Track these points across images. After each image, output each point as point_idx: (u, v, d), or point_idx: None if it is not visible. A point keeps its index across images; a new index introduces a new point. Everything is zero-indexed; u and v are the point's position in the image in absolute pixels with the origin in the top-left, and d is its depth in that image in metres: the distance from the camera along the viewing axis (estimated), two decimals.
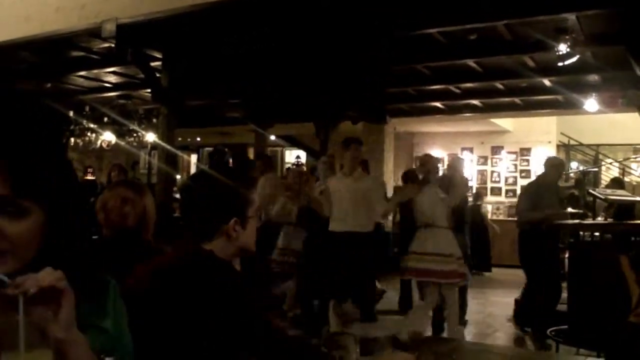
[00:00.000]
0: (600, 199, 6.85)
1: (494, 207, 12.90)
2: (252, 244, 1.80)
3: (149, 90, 8.29)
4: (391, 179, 11.23)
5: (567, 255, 6.63)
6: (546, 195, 5.97)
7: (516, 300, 6.95)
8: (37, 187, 0.92)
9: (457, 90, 9.77)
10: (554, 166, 6.27)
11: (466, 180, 7.30)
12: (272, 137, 11.43)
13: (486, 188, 12.89)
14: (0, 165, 0.89)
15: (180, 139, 7.29)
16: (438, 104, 10.71)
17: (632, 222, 5.48)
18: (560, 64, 6.73)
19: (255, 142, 10.92)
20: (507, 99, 10.14)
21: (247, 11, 5.85)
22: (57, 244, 0.97)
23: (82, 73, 9.22)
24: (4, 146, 0.92)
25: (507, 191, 13.04)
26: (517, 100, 10.22)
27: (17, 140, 0.94)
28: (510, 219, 12.69)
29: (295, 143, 13.84)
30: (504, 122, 12.48)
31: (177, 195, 9.70)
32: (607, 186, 8.80)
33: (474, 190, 11.89)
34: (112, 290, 1.12)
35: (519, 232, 6.17)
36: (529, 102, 10.34)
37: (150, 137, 11.09)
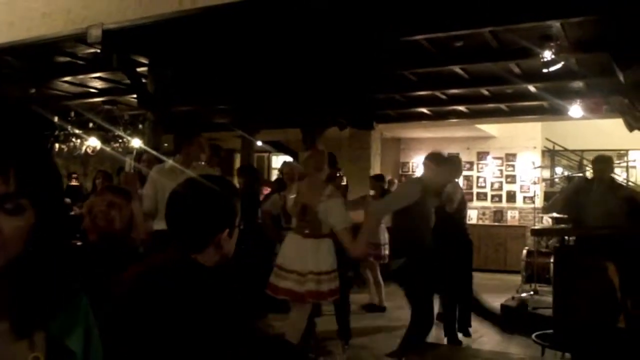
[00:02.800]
0: None
1: (479, 212, 12.98)
2: (232, 252, 1.79)
3: (134, 96, 8.26)
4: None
5: (551, 260, 6.68)
6: (580, 197, 5.46)
7: (502, 305, 6.99)
8: (35, 187, 0.93)
9: (444, 97, 9.83)
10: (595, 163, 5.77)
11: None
12: (259, 143, 11.42)
13: (472, 193, 12.96)
14: (7, 163, 0.90)
15: (166, 144, 7.26)
16: (424, 110, 10.76)
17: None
18: (545, 70, 6.80)
19: (242, 148, 10.89)
20: (492, 105, 10.22)
21: (234, 17, 5.85)
22: (40, 244, 0.97)
23: (68, 78, 9.17)
24: (12, 144, 0.93)
25: (492, 196, 13.12)
26: (502, 106, 10.30)
27: (20, 139, 0.95)
28: (495, 224, 12.78)
29: (282, 149, 13.84)
30: (490, 128, 12.57)
31: None
32: None
33: None
34: (84, 308, 1.08)
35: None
36: (514, 108, 10.42)
37: (136, 143, 11.03)
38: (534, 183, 12.66)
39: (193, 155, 4.67)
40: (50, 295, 0.96)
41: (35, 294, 0.95)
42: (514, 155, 13.04)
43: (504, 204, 12.99)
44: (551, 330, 5.17)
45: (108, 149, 11.51)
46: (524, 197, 12.80)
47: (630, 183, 11.46)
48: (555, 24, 6.02)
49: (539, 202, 11.27)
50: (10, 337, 0.92)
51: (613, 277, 4.07)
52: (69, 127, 10.94)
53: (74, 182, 12.17)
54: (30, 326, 0.95)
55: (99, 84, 9.71)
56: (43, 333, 0.96)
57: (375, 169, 11.50)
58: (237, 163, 12.29)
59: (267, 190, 7.62)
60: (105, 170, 8.74)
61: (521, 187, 12.92)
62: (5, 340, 0.91)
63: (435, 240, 4.75)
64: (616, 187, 5.87)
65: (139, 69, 7.42)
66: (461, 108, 10.52)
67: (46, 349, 0.95)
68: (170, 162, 4.72)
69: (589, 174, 11.81)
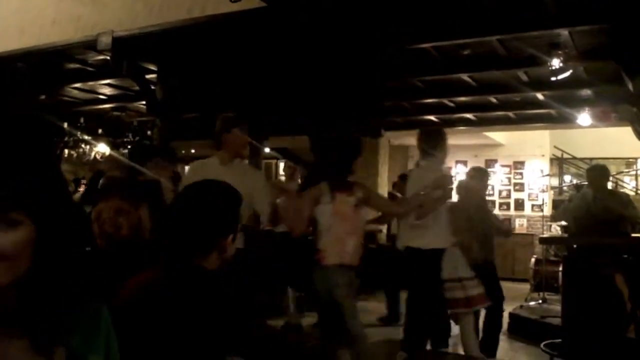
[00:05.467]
0: None
1: None
2: (231, 256, 1.80)
3: (143, 103, 8.31)
4: (385, 192, 11.25)
5: (560, 269, 6.65)
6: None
7: (510, 314, 6.95)
8: (27, 199, 0.90)
9: (452, 104, 9.82)
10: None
11: None
12: (267, 150, 11.44)
13: None
14: None
15: (183, 151, 7.33)
16: (432, 118, 10.75)
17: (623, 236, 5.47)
18: (553, 78, 6.79)
19: (250, 155, 10.93)
20: (500, 113, 10.19)
21: (242, 25, 5.88)
22: (48, 257, 0.94)
23: (77, 85, 9.23)
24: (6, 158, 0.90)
25: (500, 204, 13.07)
26: (510, 114, 10.28)
27: (7, 152, 0.92)
28: None
29: (289, 156, 13.85)
30: (498, 136, 12.53)
31: None
32: None
33: None
34: (105, 319, 1.07)
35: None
36: (522, 116, 10.39)
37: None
38: (543, 191, 12.61)
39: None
40: (66, 308, 0.94)
41: (50, 309, 0.93)
42: (522, 163, 12.99)
43: (512, 212, 12.94)
44: (560, 340, 5.14)
45: (117, 155, 11.56)
46: (532, 205, 12.74)
47: (639, 192, 11.40)
48: (564, 32, 6.02)
49: (547, 210, 11.21)
50: (29, 355, 0.90)
51: (622, 287, 4.05)
52: (79, 133, 11.01)
53: (82, 188, 12.23)
54: (49, 342, 0.92)
55: (108, 91, 9.77)
56: (63, 349, 0.94)
57: (383, 177, 11.49)
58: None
59: None
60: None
61: (529, 195, 12.87)
62: (24, 358, 0.90)
63: None
64: (611, 195, 5.93)
65: (148, 76, 7.47)
66: (469, 116, 10.50)
67: None
68: None
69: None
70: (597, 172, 6.05)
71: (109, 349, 1.04)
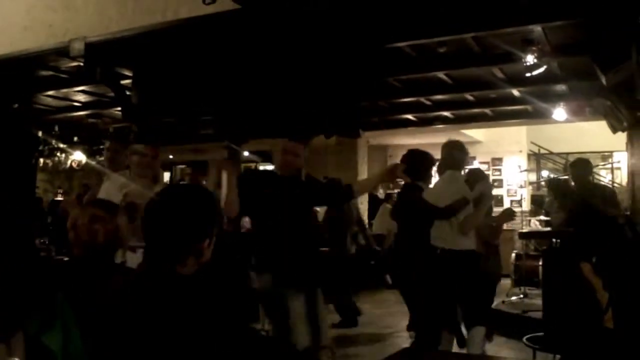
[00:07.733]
0: None
1: None
2: (209, 259, 1.77)
3: (119, 109, 8.23)
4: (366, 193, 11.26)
5: (540, 263, 6.71)
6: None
7: (492, 309, 6.99)
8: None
9: (428, 102, 9.87)
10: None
11: None
12: (246, 153, 11.39)
13: None
14: None
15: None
16: (410, 116, 10.80)
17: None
18: (528, 74, 6.85)
19: (229, 158, 10.87)
20: (477, 110, 10.27)
21: (217, 28, 5.84)
22: (15, 252, 1.00)
23: (51, 92, 9.11)
24: None
25: None
26: (487, 111, 10.36)
27: None
28: None
29: (269, 158, 13.81)
30: (475, 133, 12.62)
31: None
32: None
33: None
34: (59, 304, 1.10)
35: None
36: (499, 112, 10.48)
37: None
38: (521, 187, 12.73)
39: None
40: (24, 297, 0.98)
41: (10, 298, 0.98)
42: (500, 159, 13.10)
43: None
44: (542, 333, 5.18)
45: (93, 162, 11.45)
46: (511, 201, 12.83)
47: (615, 184, 11.55)
48: (537, 28, 6.07)
49: (525, 206, 11.31)
50: None
51: (590, 277, 4.10)
52: (53, 142, 10.87)
53: (60, 197, 12.09)
54: (8, 328, 0.97)
55: (82, 98, 9.65)
56: (22, 336, 0.97)
57: (362, 177, 11.49)
58: (224, 173, 12.21)
59: None
60: (88, 184, 8.66)
61: (508, 190, 12.98)
62: None
63: None
64: (595, 189, 5.99)
65: (122, 82, 7.39)
66: (446, 114, 10.57)
67: (25, 351, 0.97)
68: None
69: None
70: (580, 167, 6.08)
71: (68, 336, 1.08)
